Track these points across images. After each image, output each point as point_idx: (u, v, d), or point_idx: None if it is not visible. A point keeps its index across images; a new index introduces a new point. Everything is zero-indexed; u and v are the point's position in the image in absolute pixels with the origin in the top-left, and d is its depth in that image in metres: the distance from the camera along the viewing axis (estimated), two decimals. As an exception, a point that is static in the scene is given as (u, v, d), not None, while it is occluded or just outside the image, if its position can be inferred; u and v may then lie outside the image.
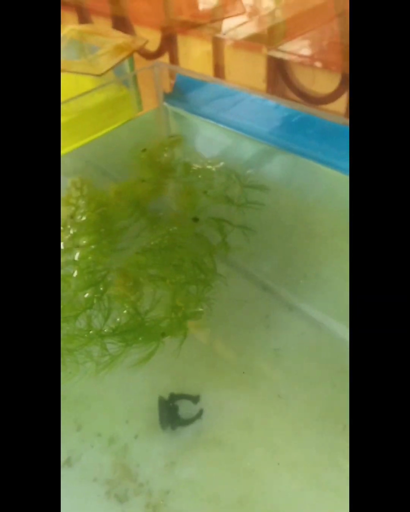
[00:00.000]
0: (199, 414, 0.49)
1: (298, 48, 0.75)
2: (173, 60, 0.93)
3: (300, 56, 0.76)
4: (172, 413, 0.48)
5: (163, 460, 0.46)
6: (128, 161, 0.72)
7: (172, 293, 0.52)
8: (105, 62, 0.76)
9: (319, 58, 0.75)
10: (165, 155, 0.72)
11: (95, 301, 0.51)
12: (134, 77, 0.83)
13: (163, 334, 0.49)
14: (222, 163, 0.69)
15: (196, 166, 0.68)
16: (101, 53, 0.78)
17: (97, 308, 0.51)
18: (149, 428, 0.48)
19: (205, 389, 0.50)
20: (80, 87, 0.76)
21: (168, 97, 0.84)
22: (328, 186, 0.71)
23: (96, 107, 0.79)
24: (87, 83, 0.81)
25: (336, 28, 0.74)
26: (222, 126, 0.79)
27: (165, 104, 0.85)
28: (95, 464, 0.46)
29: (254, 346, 0.54)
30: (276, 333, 0.55)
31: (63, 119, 0.73)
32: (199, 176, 0.67)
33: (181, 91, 0.80)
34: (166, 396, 0.49)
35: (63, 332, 0.49)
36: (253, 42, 0.81)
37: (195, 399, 0.50)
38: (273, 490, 0.44)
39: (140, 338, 0.48)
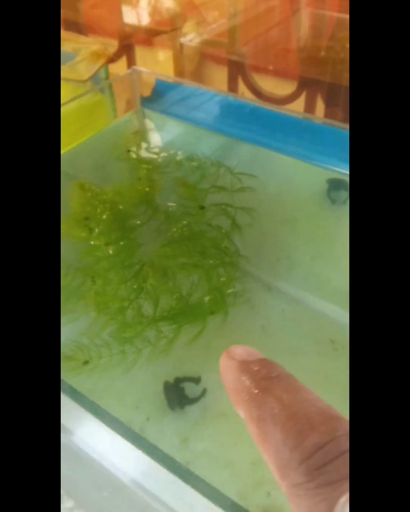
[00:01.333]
0: (204, 392, 0.53)
1: (255, 52, 0.81)
2: (130, 66, 0.96)
3: (257, 60, 0.81)
4: (179, 394, 0.52)
5: (177, 437, 0.50)
6: (110, 166, 0.75)
7: (206, 276, 0.56)
8: (86, 69, 0.78)
9: (275, 63, 0.81)
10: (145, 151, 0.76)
11: (139, 292, 0.55)
12: (110, 84, 0.85)
13: (212, 312, 0.55)
14: (202, 157, 0.74)
15: (172, 159, 0.73)
16: (79, 60, 0.79)
17: (143, 297, 0.55)
18: (158, 411, 0.52)
19: (204, 370, 0.55)
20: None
21: (144, 101, 0.87)
22: (286, 173, 0.78)
23: (71, 115, 0.80)
24: (64, 91, 0.81)
25: (291, 31, 0.80)
26: (195, 125, 0.83)
27: (142, 108, 0.88)
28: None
29: (242, 325, 0.59)
30: (260, 312, 0.60)
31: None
32: (188, 169, 0.72)
33: (159, 95, 0.84)
34: (171, 380, 0.53)
35: (118, 322, 0.54)
36: (212, 47, 0.86)
37: (197, 380, 0.54)
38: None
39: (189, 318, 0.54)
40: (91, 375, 0.52)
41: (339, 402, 0.52)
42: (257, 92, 0.86)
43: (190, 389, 0.53)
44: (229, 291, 0.58)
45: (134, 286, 0.55)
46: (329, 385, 0.53)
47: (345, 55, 0.78)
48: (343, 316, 0.58)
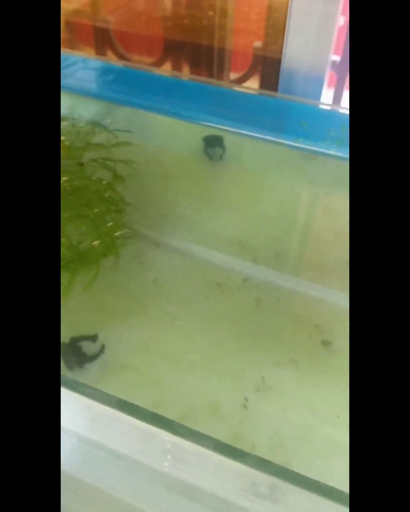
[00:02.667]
0: (102, 349, 0.54)
1: (120, 20, 0.80)
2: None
3: (122, 27, 0.81)
4: (77, 352, 0.52)
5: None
6: None
7: (93, 225, 0.59)
8: None
9: (141, 29, 0.81)
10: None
11: None
12: None
13: (104, 254, 0.58)
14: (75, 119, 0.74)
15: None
16: None
17: None
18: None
19: (101, 328, 0.55)
20: None
21: None
22: (163, 132, 0.79)
23: None
24: None
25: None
26: (65, 90, 0.81)
27: None
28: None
29: (134, 281, 0.60)
30: (151, 267, 0.62)
31: None
32: (66, 131, 0.72)
33: None
34: (67, 340, 0.53)
35: None
36: (77, 17, 0.84)
37: (93, 338, 0.55)
38: (180, 389, 0.52)
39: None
40: None
41: (226, 338, 0.56)
42: (124, 58, 0.86)
43: (87, 348, 0.54)
44: (117, 233, 0.60)
45: None
46: (218, 323, 0.57)
47: (207, 21, 0.81)
48: (226, 260, 0.62)
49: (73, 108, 0.78)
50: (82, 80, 0.80)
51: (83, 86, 0.80)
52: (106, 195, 0.63)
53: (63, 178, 0.63)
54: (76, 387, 0.39)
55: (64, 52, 0.82)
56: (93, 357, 0.53)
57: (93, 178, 0.65)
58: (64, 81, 0.79)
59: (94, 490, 0.39)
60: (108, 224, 0.60)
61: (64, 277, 0.56)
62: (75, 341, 0.53)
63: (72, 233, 0.59)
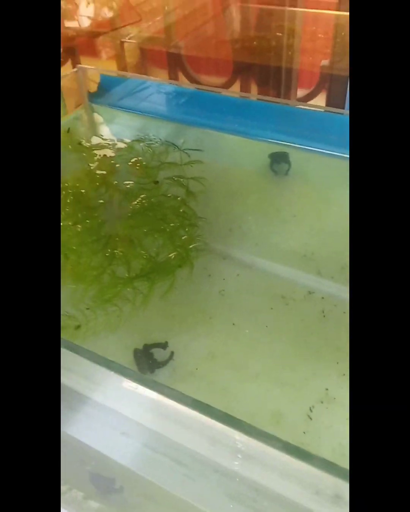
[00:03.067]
0: (171, 355, 0.57)
1: (190, 44, 0.86)
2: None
3: (194, 51, 0.87)
4: (149, 358, 0.56)
5: (150, 397, 0.54)
6: (64, 158, 0.80)
7: (169, 238, 0.65)
8: None
9: (211, 53, 0.86)
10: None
11: (111, 259, 0.63)
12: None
13: (179, 266, 0.63)
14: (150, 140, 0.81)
15: (124, 144, 0.79)
16: None
17: (115, 264, 0.63)
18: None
19: (170, 336, 0.59)
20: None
21: (91, 96, 0.92)
22: (231, 151, 0.83)
23: None
24: None
25: (223, 25, 0.86)
26: (140, 114, 0.88)
27: (89, 103, 0.92)
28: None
29: (201, 292, 0.63)
30: (217, 279, 0.65)
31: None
32: (142, 152, 0.80)
33: (105, 90, 0.88)
34: (140, 347, 0.57)
35: (96, 288, 0.61)
36: (151, 43, 0.91)
37: (164, 345, 0.58)
38: (245, 398, 0.54)
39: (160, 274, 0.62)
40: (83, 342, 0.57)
41: (290, 349, 0.57)
42: (195, 81, 0.91)
43: (158, 354, 0.57)
44: (191, 246, 0.66)
45: (107, 254, 0.62)
46: (282, 335, 0.58)
47: (275, 42, 0.84)
48: (291, 273, 0.64)
49: (148, 129, 0.84)
50: (156, 103, 0.86)
51: (156, 108, 0.86)
52: (181, 210, 0.68)
53: (141, 196, 0.68)
54: (154, 386, 0.42)
55: (139, 77, 0.88)
56: (163, 363, 0.56)
57: (168, 195, 0.71)
58: (139, 104, 0.85)
59: (160, 489, 0.42)
60: (183, 238, 0.65)
61: (143, 286, 0.61)
62: (148, 347, 0.57)
63: (151, 246, 0.65)
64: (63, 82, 0.91)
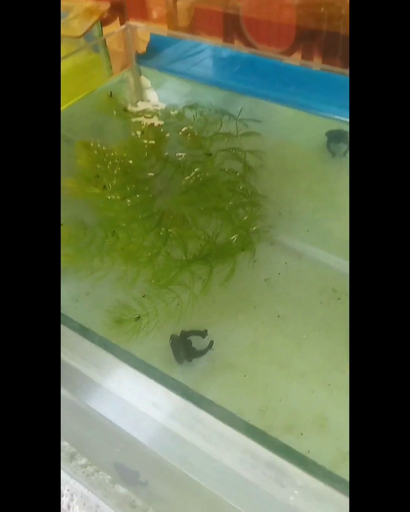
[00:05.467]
0: (210, 345, 0.53)
1: (249, 5, 0.78)
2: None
3: (253, 14, 0.79)
4: (187, 347, 0.53)
5: (186, 388, 0.51)
6: (109, 125, 0.75)
7: (228, 218, 0.59)
8: (79, 25, 0.76)
9: (272, 15, 0.78)
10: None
11: (165, 239, 0.57)
12: (104, 41, 0.83)
13: (242, 249, 0.57)
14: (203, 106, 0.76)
15: (174, 112, 0.73)
16: (72, 17, 0.77)
17: (169, 244, 0.57)
18: (165, 364, 0.53)
19: (210, 324, 0.55)
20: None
21: (139, 58, 0.85)
22: (286, 125, 0.77)
23: (67, 74, 0.78)
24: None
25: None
26: (190, 79, 0.82)
27: (137, 65, 0.86)
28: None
29: (246, 280, 0.59)
30: (263, 266, 0.60)
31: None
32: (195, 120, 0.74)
33: (154, 51, 0.82)
34: (178, 333, 0.54)
35: (149, 271, 0.55)
36: (207, 3, 0.83)
37: (203, 333, 0.54)
38: (288, 397, 0.50)
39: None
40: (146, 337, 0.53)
41: (340, 348, 0.53)
42: (252, 46, 0.84)
43: (197, 342, 0.54)
44: (253, 228, 0.60)
45: (161, 233, 0.57)
46: (332, 332, 0.54)
47: (345, 10, 0.76)
48: (345, 265, 0.58)
49: (198, 96, 0.78)
50: (208, 68, 0.79)
51: (209, 74, 0.80)
52: (240, 187, 0.62)
53: (195, 169, 0.63)
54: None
55: (191, 38, 0.81)
56: (201, 352, 0.53)
57: (225, 169, 0.65)
58: (191, 69, 0.79)
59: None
60: (244, 218, 0.60)
61: (202, 271, 0.56)
62: (185, 334, 0.53)
63: (207, 225, 0.59)
64: (110, 41, 0.85)
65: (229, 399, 0.50)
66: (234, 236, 0.57)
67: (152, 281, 0.54)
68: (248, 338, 0.54)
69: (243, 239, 0.58)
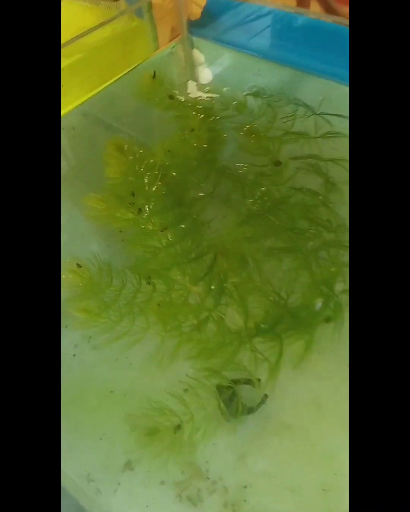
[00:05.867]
0: (264, 399, 0.44)
1: None
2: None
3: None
4: (233, 400, 0.44)
5: (233, 453, 0.43)
6: (152, 112, 0.61)
7: (305, 264, 0.41)
8: None
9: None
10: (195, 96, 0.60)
11: (218, 296, 0.41)
12: (149, 3, 0.68)
13: (327, 320, 0.40)
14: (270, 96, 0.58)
15: (235, 102, 0.57)
16: None
17: (225, 304, 0.40)
18: (211, 421, 0.44)
19: (262, 371, 0.46)
20: (86, 21, 0.62)
21: (191, 25, 0.72)
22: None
23: (105, 45, 0.65)
24: (93, 16, 0.67)
25: None
26: (253, 54, 0.67)
27: (189, 35, 0.72)
28: (160, 465, 0.42)
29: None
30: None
31: (64, 62, 0.60)
32: (259, 113, 0.55)
33: (211, 17, 0.68)
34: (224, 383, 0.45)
35: (195, 346, 0.40)
36: None
37: (255, 384, 0.45)
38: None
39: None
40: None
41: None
42: (335, 13, 0.68)
43: (247, 394, 0.45)
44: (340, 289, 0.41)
45: (212, 287, 0.41)
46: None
47: None
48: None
49: (263, 77, 0.63)
50: (272, 39, 0.65)
51: (272, 48, 0.65)
52: (323, 216, 0.44)
53: (262, 189, 0.46)
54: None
55: (258, 1, 0.67)
56: (252, 409, 0.44)
57: (298, 187, 0.47)
58: (252, 40, 0.65)
59: None
60: (332, 269, 0.41)
61: (265, 346, 0.40)
62: (234, 383, 0.45)
63: (274, 273, 0.42)
64: (156, 4, 0.71)
65: (284, 470, 0.42)
66: (317, 301, 0.40)
67: (197, 365, 0.40)
68: (311, 391, 0.45)
69: (326, 300, 0.40)
